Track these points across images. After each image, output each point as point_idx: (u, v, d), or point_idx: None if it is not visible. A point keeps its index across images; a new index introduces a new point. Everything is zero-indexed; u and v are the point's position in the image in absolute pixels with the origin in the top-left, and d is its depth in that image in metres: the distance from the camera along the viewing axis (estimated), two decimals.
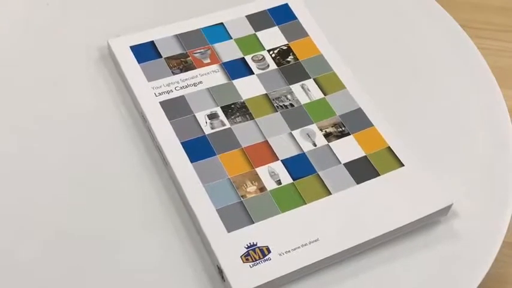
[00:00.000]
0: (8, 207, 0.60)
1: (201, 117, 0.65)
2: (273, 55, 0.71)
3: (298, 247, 0.58)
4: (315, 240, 0.58)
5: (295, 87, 0.69)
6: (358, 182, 0.62)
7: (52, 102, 0.67)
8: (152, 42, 0.70)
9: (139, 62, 0.69)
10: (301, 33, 0.73)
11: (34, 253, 0.58)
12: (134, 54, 0.69)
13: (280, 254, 0.57)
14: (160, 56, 0.69)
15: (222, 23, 0.73)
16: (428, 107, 0.70)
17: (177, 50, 0.70)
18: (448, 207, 0.62)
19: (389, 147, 0.65)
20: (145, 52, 0.70)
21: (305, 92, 0.68)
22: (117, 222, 0.60)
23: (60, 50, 0.71)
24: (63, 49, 0.71)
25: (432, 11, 0.79)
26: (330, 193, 0.61)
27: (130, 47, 0.70)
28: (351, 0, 0.79)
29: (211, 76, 0.69)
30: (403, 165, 0.64)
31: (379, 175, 0.63)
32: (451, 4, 0.87)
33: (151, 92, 0.67)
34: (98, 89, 0.69)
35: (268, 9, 0.75)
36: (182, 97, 0.67)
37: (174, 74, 0.68)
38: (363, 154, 0.64)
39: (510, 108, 0.71)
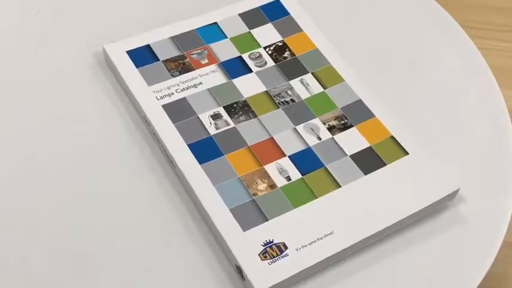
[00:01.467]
0: (23, 213, 0.59)
1: (205, 118, 0.65)
2: (270, 52, 0.71)
3: (314, 241, 0.59)
4: (330, 234, 0.59)
5: (295, 83, 0.69)
6: (365, 173, 0.63)
7: (52, 112, 0.67)
8: (148, 46, 0.70)
9: (137, 66, 0.69)
10: (295, 28, 0.74)
11: (49, 254, 0.57)
12: (131, 59, 0.69)
13: (297, 250, 0.58)
14: (158, 59, 0.69)
15: (216, 23, 0.73)
16: (428, 107, 0.71)
17: (174, 52, 0.70)
18: (455, 192, 0.63)
19: (392, 137, 0.66)
20: (142, 56, 0.69)
21: (305, 87, 0.69)
22: (130, 226, 0.60)
23: (54, 58, 0.71)
24: (57, 57, 0.71)
25: (432, 11, 0.79)
26: (339, 186, 0.62)
27: (127, 52, 0.69)
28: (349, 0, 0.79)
29: (211, 76, 0.69)
30: (407, 153, 0.65)
31: (385, 165, 0.64)
32: (451, 4, 0.88)
33: (152, 96, 0.66)
34: (97, 96, 0.68)
35: (260, 6, 0.75)
36: (184, 99, 0.67)
37: (173, 76, 0.68)
38: (368, 145, 0.65)
39: (510, 108, 0.72)
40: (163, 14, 0.75)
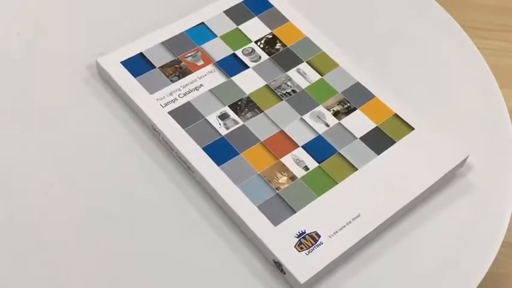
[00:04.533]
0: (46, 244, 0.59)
1: (213, 119, 0.66)
2: (261, 46, 0.72)
3: (344, 226, 0.60)
4: (357, 217, 0.61)
5: (292, 73, 0.70)
6: (378, 153, 0.65)
7: (56, 133, 0.65)
8: (141, 54, 0.70)
9: (134, 76, 0.68)
10: (281, 19, 0.74)
11: (87, 256, 0.57)
12: (127, 69, 0.68)
13: (330, 237, 0.59)
14: (154, 66, 0.69)
15: (203, 23, 0.73)
16: (428, 107, 0.71)
17: (168, 58, 0.70)
18: (464, 160, 0.65)
19: (396, 114, 0.68)
20: (137, 65, 0.69)
21: (302, 76, 0.70)
22: (162, 233, 0.60)
23: (45, 78, 0.69)
24: (47, 77, 0.69)
25: (432, 11, 0.79)
26: (356, 169, 0.64)
27: (121, 62, 0.69)
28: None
29: (210, 77, 0.69)
30: (413, 128, 0.67)
31: (394, 142, 0.66)
32: (451, 4, 0.88)
33: (156, 104, 0.66)
34: (98, 111, 0.67)
35: (243, 1, 0.75)
36: (188, 103, 0.67)
37: (172, 82, 0.68)
38: (374, 125, 0.67)
39: (510, 108, 0.73)
40: (146, 20, 0.75)
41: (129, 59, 0.69)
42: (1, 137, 0.65)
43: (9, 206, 0.61)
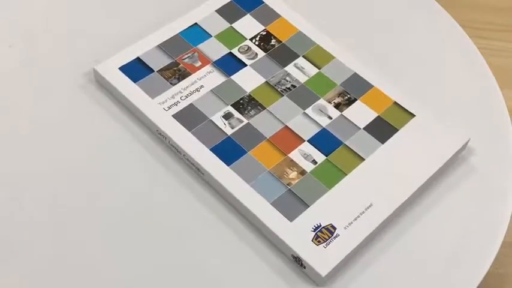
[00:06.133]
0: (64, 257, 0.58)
1: (218, 119, 0.66)
2: (256, 43, 0.72)
3: (358, 216, 0.61)
4: (370, 206, 0.62)
5: (290, 68, 0.70)
6: (382, 142, 0.66)
7: (61, 145, 0.65)
8: (139, 59, 0.69)
9: (134, 81, 0.68)
10: (273, 15, 0.75)
11: (112, 252, 0.57)
12: (126, 75, 0.68)
13: (345, 228, 0.60)
14: (152, 70, 0.69)
15: (196, 23, 0.73)
16: (428, 106, 0.71)
17: (165, 61, 0.69)
18: (466, 143, 0.67)
19: (395, 102, 0.69)
20: (136, 70, 0.68)
21: (300, 71, 0.70)
22: (179, 237, 0.60)
23: (42, 89, 0.69)
24: (44, 88, 0.69)
25: (432, 11, 0.79)
26: (363, 159, 0.65)
27: (119, 69, 0.68)
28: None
29: (209, 77, 0.69)
30: (414, 115, 0.68)
31: (397, 130, 0.67)
32: (451, 4, 0.87)
33: (159, 108, 0.66)
34: (98, 119, 0.67)
35: None
36: (191, 105, 0.67)
37: (172, 84, 0.68)
38: (376, 114, 0.68)
39: (510, 108, 0.72)
40: (137, 24, 0.74)
41: (126, 64, 0.69)
42: (2, 150, 0.64)
43: (19, 219, 0.60)
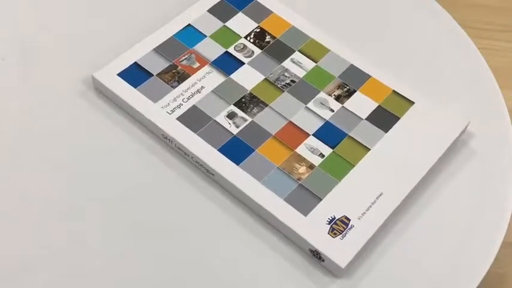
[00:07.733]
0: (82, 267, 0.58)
1: (222, 119, 0.66)
2: (252, 40, 0.72)
3: (370, 206, 0.62)
4: (380, 195, 0.62)
5: (287, 64, 0.71)
6: (386, 131, 0.67)
7: (66, 154, 0.64)
8: (136, 64, 0.69)
9: (134, 86, 0.67)
10: (265, 12, 0.75)
11: (133, 251, 0.57)
12: (126, 81, 0.68)
13: (359, 218, 0.61)
14: (151, 74, 0.68)
15: (190, 25, 0.73)
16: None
17: (163, 64, 0.69)
18: (466, 127, 0.68)
19: (394, 91, 0.70)
20: (134, 75, 0.68)
21: (298, 66, 0.71)
22: (197, 240, 0.60)
23: (41, 99, 0.68)
24: (43, 98, 0.68)
25: (432, 11, 0.80)
26: (368, 149, 0.65)
27: (118, 75, 0.68)
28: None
29: (209, 78, 0.69)
30: (413, 102, 0.69)
31: (399, 118, 0.68)
32: (451, 4, 0.87)
33: (163, 112, 0.66)
34: (101, 126, 0.67)
35: None
36: (194, 107, 0.66)
37: (173, 87, 0.68)
38: (376, 104, 0.69)
39: (510, 108, 0.73)
40: (130, 29, 0.74)
41: (125, 70, 0.68)
42: (2, 158, 0.63)
43: (18, 222, 0.60)
